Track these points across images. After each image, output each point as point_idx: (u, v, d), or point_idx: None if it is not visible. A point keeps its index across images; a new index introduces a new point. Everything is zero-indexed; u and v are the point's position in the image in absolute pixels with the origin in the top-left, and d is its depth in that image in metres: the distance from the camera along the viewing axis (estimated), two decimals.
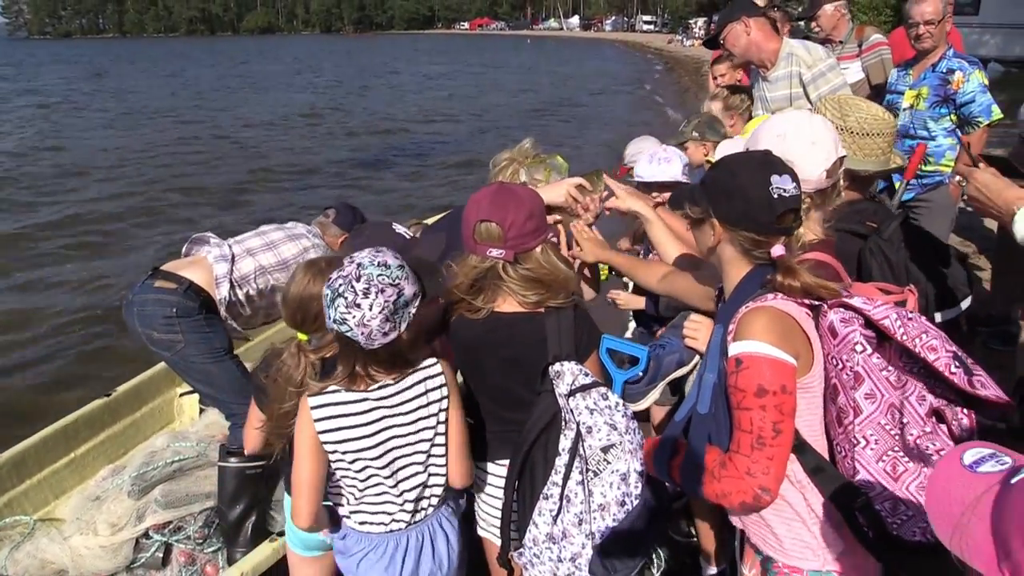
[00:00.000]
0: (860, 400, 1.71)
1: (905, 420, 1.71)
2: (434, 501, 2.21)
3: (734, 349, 1.71)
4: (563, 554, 2.11)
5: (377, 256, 1.94)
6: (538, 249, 2.14)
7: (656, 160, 3.43)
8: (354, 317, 1.88)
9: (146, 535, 3.53)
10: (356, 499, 2.16)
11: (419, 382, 2.09)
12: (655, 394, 2.72)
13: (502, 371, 2.21)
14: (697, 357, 2.66)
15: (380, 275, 1.90)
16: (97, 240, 10.83)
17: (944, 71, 4.39)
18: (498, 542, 2.30)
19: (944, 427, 1.74)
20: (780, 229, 1.77)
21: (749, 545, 1.96)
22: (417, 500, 2.17)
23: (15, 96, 32.37)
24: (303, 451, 2.07)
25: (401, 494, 2.14)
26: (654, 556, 3.27)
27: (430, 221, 4.55)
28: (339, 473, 2.13)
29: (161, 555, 3.52)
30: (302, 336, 2.20)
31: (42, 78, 44.11)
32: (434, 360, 2.12)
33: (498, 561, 2.30)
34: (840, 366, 1.74)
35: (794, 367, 1.68)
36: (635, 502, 2.07)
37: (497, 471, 2.32)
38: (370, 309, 1.87)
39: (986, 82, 4.34)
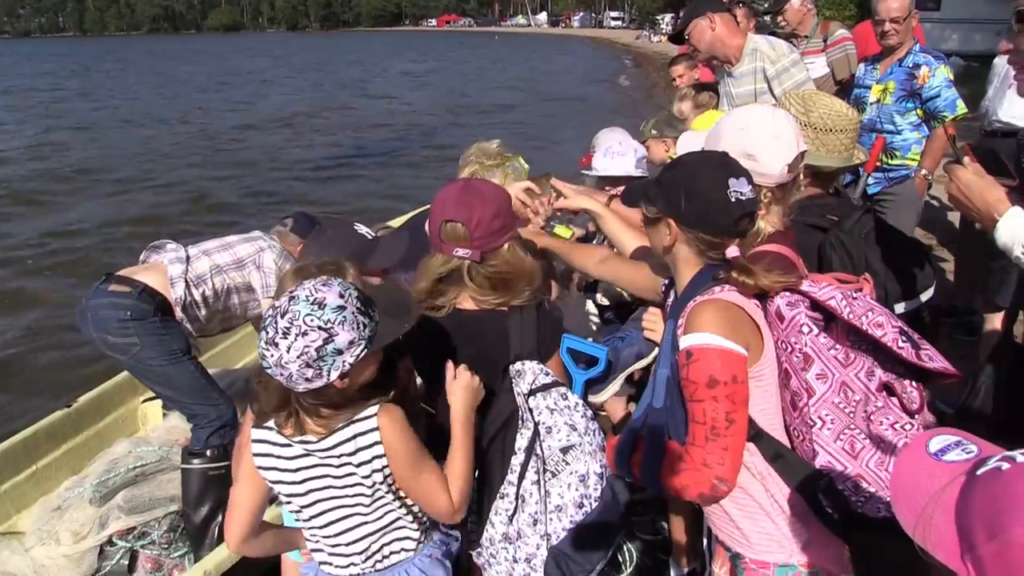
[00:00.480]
0: (812, 381, 1.73)
1: (857, 397, 1.73)
2: (398, 548, 2.00)
3: (684, 342, 1.72)
4: (518, 554, 2.09)
5: (317, 292, 1.69)
6: (505, 246, 2.11)
7: (610, 154, 3.48)
8: (272, 356, 1.66)
9: (110, 542, 3.46)
10: (310, 536, 2.01)
11: (349, 439, 1.83)
12: (615, 386, 2.72)
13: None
14: (656, 350, 2.65)
15: (308, 315, 1.65)
16: (74, 246, 10.46)
17: (911, 66, 4.42)
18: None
19: (895, 399, 1.76)
20: (737, 232, 1.78)
21: (718, 542, 1.96)
22: (369, 550, 1.97)
23: None
24: (242, 474, 1.97)
25: (350, 544, 1.96)
26: (625, 552, 3.27)
27: (398, 221, 4.50)
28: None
29: (127, 562, 3.46)
30: None
31: (12, 80, 42.72)
32: (372, 412, 1.84)
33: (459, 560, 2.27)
34: (789, 349, 1.76)
35: (744, 357, 1.69)
36: (594, 504, 2.05)
37: None
38: (287, 351, 1.64)
39: (952, 77, 4.38)
